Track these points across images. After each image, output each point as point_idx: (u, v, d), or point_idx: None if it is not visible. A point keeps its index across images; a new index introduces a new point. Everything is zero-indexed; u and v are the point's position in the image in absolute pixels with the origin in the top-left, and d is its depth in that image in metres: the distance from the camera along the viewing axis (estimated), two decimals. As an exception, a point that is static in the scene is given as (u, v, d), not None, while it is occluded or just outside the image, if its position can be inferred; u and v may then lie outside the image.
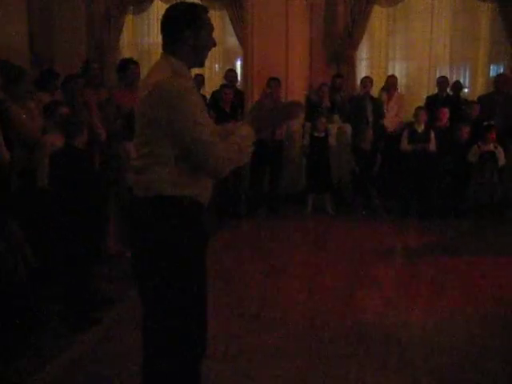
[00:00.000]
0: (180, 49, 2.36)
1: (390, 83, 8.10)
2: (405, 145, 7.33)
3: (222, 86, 7.64)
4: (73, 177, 4.04)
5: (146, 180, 2.34)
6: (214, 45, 2.47)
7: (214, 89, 8.43)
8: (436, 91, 8.18)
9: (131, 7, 9.55)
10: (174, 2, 2.51)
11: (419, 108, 7.51)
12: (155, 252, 2.34)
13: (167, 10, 2.41)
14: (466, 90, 8.75)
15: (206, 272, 2.53)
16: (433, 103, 7.82)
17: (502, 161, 7.02)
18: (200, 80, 7.98)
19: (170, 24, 2.37)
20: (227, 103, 7.26)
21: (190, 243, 2.38)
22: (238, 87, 8.52)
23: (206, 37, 2.40)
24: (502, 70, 8.56)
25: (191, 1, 2.54)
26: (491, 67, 8.84)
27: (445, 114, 7.36)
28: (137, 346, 3.63)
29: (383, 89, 8.16)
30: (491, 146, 7.01)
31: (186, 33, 2.33)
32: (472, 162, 7.06)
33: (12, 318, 3.56)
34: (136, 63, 6.05)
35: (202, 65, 2.50)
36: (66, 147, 4.15)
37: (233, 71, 8.51)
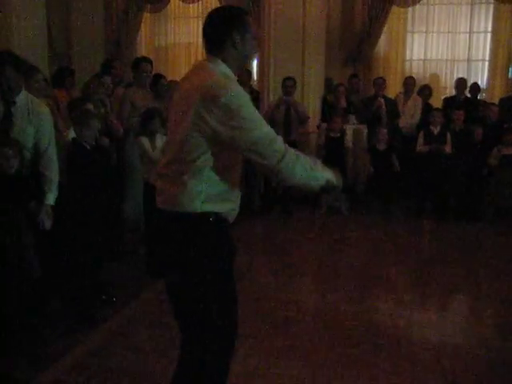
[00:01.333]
0: (227, 52, 2.29)
1: (408, 84, 8.05)
2: (420, 146, 7.29)
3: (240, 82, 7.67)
4: (80, 173, 4.05)
5: (174, 192, 2.28)
6: (256, 51, 2.39)
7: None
8: (454, 93, 8.12)
9: (148, 5, 9.61)
10: (219, 6, 2.54)
11: (435, 110, 7.46)
12: (190, 268, 2.31)
13: (214, 13, 2.39)
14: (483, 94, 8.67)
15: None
16: (450, 105, 7.76)
17: None
18: None
19: (218, 27, 2.31)
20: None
21: (223, 260, 2.42)
22: (254, 87, 8.52)
23: (251, 41, 2.33)
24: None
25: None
26: (510, 69, 8.76)
27: (460, 116, 7.29)
28: (147, 343, 3.70)
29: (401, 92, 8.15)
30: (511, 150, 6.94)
31: (234, 36, 2.28)
32: (492, 164, 6.99)
33: (17, 314, 3.58)
34: (149, 61, 6.08)
35: (241, 70, 2.47)
36: (73, 143, 4.17)
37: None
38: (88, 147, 4.16)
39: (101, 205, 4.19)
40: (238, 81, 2.31)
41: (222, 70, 2.26)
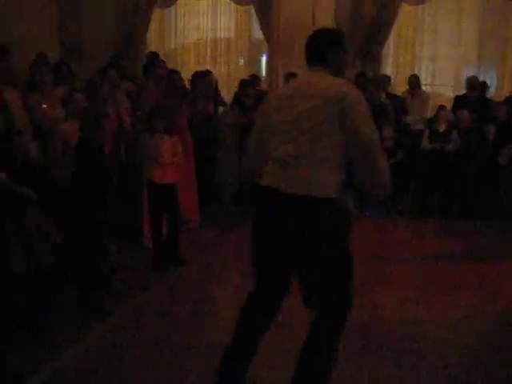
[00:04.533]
0: (330, 67, 2.70)
1: (413, 82, 8.09)
2: (425, 143, 7.30)
3: (246, 82, 7.67)
4: (86, 171, 4.10)
5: (316, 181, 2.56)
6: (347, 67, 2.94)
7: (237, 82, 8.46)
8: (463, 91, 8.11)
9: (159, 1, 9.61)
10: (324, 27, 3.06)
11: (441, 107, 7.47)
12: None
13: (322, 33, 2.82)
14: (491, 90, 8.65)
15: None
16: (461, 103, 7.75)
17: None
18: (210, 76, 7.96)
19: (328, 45, 2.73)
20: (250, 98, 7.29)
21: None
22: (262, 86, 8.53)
23: (347, 59, 2.83)
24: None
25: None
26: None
27: (465, 115, 7.28)
28: (155, 333, 3.75)
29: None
30: None
31: (338, 53, 2.73)
32: (503, 164, 6.99)
33: (24, 306, 3.64)
34: (162, 60, 6.20)
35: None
36: (80, 141, 4.19)
37: (256, 77, 8.37)
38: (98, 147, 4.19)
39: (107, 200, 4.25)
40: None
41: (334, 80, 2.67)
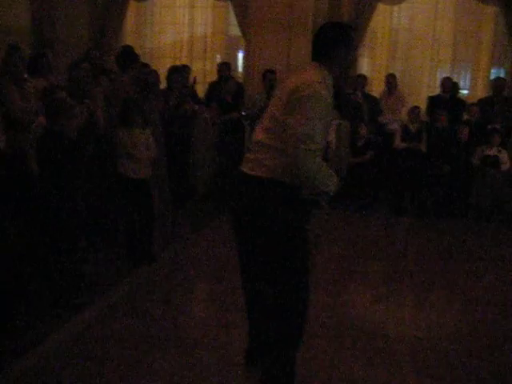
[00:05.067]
0: (332, 63, 2.75)
1: (389, 82, 8.15)
2: (398, 142, 7.39)
3: (225, 77, 7.64)
4: (54, 162, 4.02)
5: (265, 164, 2.72)
6: (352, 65, 2.80)
7: (214, 78, 8.42)
8: (437, 91, 8.20)
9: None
10: (331, 22, 3.06)
11: (414, 107, 7.57)
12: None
13: (326, 28, 2.82)
14: (465, 92, 8.77)
15: None
16: (435, 103, 7.84)
17: (505, 166, 7.06)
18: (187, 71, 7.93)
19: (328, 41, 2.76)
20: (229, 94, 7.26)
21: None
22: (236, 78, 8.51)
23: (352, 56, 2.85)
24: (502, 74, 8.60)
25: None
26: (492, 71, 8.87)
27: (440, 115, 7.38)
28: (126, 330, 3.71)
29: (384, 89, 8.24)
30: (495, 150, 7.05)
31: (341, 51, 2.75)
32: (475, 164, 7.10)
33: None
34: (137, 54, 6.16)
35: (341, 78, 2.88)
36: (48, 132, 4.12)
37: (226, 64, 8.34)
38: (65, 140, 4.10)
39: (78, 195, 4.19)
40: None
41: (324, 75, 2.72)
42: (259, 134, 2.80)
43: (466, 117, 7.66)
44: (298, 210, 2.76)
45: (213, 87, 7.93)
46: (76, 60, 5.92)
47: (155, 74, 6.39)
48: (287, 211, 2.72)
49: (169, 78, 6.94)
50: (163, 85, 6.94)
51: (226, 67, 8.14)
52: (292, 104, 2.62)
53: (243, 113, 7.06)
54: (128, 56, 6.27)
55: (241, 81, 8.55)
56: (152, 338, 3.63)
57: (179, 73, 7.11)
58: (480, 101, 7.94)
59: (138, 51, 7.23)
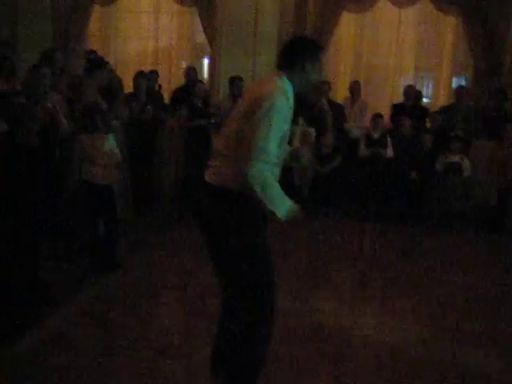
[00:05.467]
0: (295, 75, 2.79)
1: (354, 89, 8.23)
2: (362, 150, 7.47)
3: (190, 81, 7.59)
4: (19, 171, 3.92)
5: (218, 172, 2.76)
6: (319, 80, 3.00)
7: (179, 84, 8.37)
8: (401, 99, 8.32)
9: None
10: (299, 35, 3.22)
11: (376, 115, 7.67)
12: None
13: (294, 41, 2.90)
14: (425, 100, 8.94)
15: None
16: (399, 111, 7.95)
17: (467, 172, 7.20)
18: (154, 77, 7.90)
19: (295, 54, 2.80)
20: (199, 98, 7.22)
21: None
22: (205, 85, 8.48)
23: (318, 72, 2.85)
24: (463, 83, 8.79)
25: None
26: (454, 79, 9.06)
27: (405, 121, 7.49)
28: (85, 342, 3.63)
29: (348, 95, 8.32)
30: (457, 157, 7.18)
31: (306, 66, 2.79)
32: (438, 171, 7.22)
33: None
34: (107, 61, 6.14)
35: (305, 92, 2.92)
36: (5, 139, 4.03)
37: (193, 69, 8.26)
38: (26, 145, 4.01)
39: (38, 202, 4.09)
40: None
41: (283, 84, 2.75)
42: (218, 143, 2.84)
43: (429, 124, 7.79)
44: (248, 218, 2.77)
45: (179, 92, 7.86)
46: (36, 63, 5.78)
47: (118, 79, 6.34)
48: (237, 220, 2.74)
49: (135, 82, 6.87)
50: (127, 90, 6.88)
51: (193, 71, 8.08)
52: (250, 115, 2.64)
53: (213, 121, 7.01)
54: (94, 61, 6.22)
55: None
56: (115, 347, 3.56)
57: (145, 77, 7.06)
58: (442, 108, 8.09)
59: (102, 56, 7.17)
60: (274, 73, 2.85)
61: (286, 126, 2.75)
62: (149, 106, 6.71)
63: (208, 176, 2.81)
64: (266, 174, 2.61)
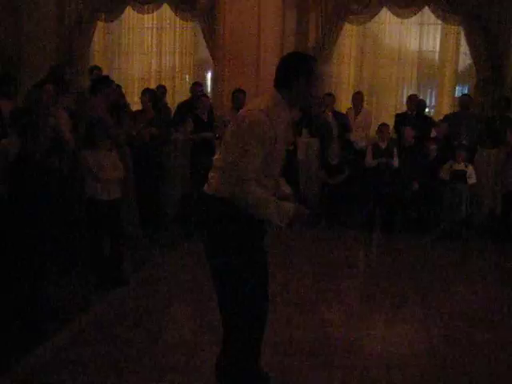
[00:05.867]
0: (291, 91, 2.80)
1: (357, 99, 8.25)
2: (369, 160, 7.46)
3: (195, 96, 7.63)
4: (27, 186, 3.94)
5: (212, 182, 2.88)
6: (318, 94, 2.99)
7: (184, 99, 8.40)
8: (404, 109, 8.32)
9: (103, 15, 9.48)
10: (295, 52, 3.21)
11: (382, 125, 7.67)
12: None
13: (287, 58, 2.93)
14: (427, 110, 8.93)
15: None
16: (402, 121, 7.95)
17: (472, 179, 7.18)
18: (162, 91, 7.97)
19: (288, 70, 2.81)
20: (205, 112, 7.25)
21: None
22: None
23: (315, 84, 2.84)
24: (466, 91, 8.79)
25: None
26: (457, 88, 9.07)
27: (409, 132, 7.49)
28: (94, 358, 3.62)
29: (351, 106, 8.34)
30: (462, 165, 7.17)
31: (300, 81, 2.78)
32: (444, 179, 7.20)
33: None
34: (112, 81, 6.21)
35: (305, 106, 3.17)
36: (20, 155, 4.06)
37: (199, 84, 8.29)
38: (36, 160, 4.05)
39: (46, 217, 4.10)
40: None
41: (275, 101, 2.80)
42: (217, 155, 2.96)
43: (434, 133, 7.77)
44: (241, 226, 2.80)
45: (184, 106, 7.89)
46: (40, 80, 5.84)
47: (123, 95, 6.41)
48: (229, 227, 2.80)
49: (142, 98, 6.91)
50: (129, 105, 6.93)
51: (198, 86, 8.11)
52: (234, 133, 2.75)
53: (217, 135, 7.04)
54: (98, 79, 6.30)
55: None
56: (123, 362, 3.55)
57: (152, 93, 7.09)
58: (446, 117, 8.08)
59: (105, 72, 7.24)
60: (270, 90, 2.89)
61: (271, 143, 2.75)
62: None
63: (206, 187, 2.92)
64: (251, 193, 2.68)
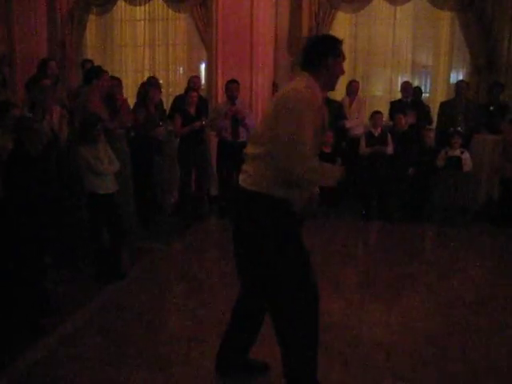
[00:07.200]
0: (319, 72, 2.83)
1: (352, 88, 8.22)
2: (363, 148, 7.46)
3: (188, 90, 7.59)
4: (24, 184, 3.93)
5: (252, 176, 2.80)
6: (343, 73, 2.92)
7: (178, 91, 8.37)
8: (399, 97, 8.31)
9: (94, 8, 9.41)
10: (320, 34, 3.19)
11: (375, 112, 7.66)
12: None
13: (315, 39, 3.02)
14: (425, 95, 8.93)
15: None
16: (397, 108, 7.93)
17: (468, 166, 7.18)
18: (154, 82, 7.90)
19: (318, 51, 2.85)
20: (192, 106, 7.21)
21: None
22: (202, 90, 8.48)
23: (341, 66, 2.88)
24: (461, 77, 8.77)
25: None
26: (451, 74, 9.05)
27: (401, 119, 7.48)
28: (94, 352, 3.62)
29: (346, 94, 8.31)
30: (458, 152, 7.17)
31: (328, 60, 2.82)
32: (439, 166, 7.21)
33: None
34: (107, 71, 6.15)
35: (332, 89, 3.00)
36: (16, 153, 4.03)
37: (197, 77, 8.30)
38: (32, 156, 4.03)
39: (44, 214, 4.08)
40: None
41: (309, 83, 2.80)
42: (248, 148, 2.87)
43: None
44: (285, 222, 2.79)
45: (177, 100, 7.87)
46: (35, 75, 5.79)
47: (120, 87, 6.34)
48: (274, 225, 2.75)
49: (143, 93, 6.84)
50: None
51: (195, 79, 8.05)
52: (280, 113, 2.68)
53: (203, 122, 7.01)
54: (91, 71, 6.23)
55: (204, 92, 8.52)
56: (123, 355, 3.55)
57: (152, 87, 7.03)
58: (442, 103, 8.07)
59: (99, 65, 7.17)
60: (300, 73, 2.89)
61: (318, 121, 2.79)
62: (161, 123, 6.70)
63: (242, 180, 2.84)
64: (307, 163, 2.65)
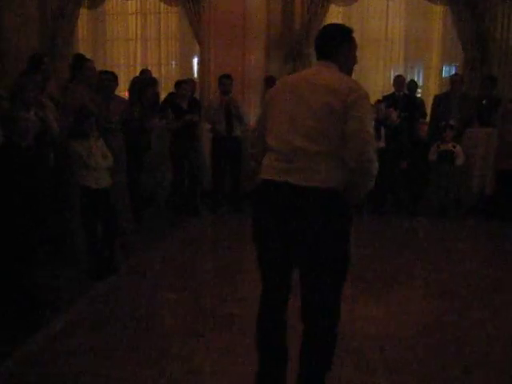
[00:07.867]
0: (338, 60, 2.79)
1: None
2: None
3: (179, 83, 7.54)
4: (14, 177, 3.90)
5: (319, 173, 2.62)
6: (357, 62, 2.89)
7: (170, 85, 8.30)
8: (391, 90, 8.29)
9: (85, 1, 9.35)
10: (333, 24, 3.27)
11: None
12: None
13: (329, 27, 2.98)
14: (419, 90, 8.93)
15: None
16: (389, 102, 7.92)
17: (460, 160, 7.19)
18: (151, 82, 7.81)
19: (333, 38, 2.82)
20: (184, 100, 7.17)
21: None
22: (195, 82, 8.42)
23: (355, 54, 2.87)
24: (453, 71, 8.77)
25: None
26: (444, 68, 9.05)
27: (392, 113, 7.47)
28: (87, 346, 3.60)
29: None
30: (450, 146, 7.18)
31: (344, 47, 2.80)
32: (431, 160, 7.21)
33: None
34: (90, 60, 6.02)
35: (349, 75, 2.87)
36: (5, 146, 4.01)
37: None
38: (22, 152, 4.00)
39: (33, 208, 4.05)
40: None
41: (340, 74, 2.75)
42: (295, 141, 2.60)
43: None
44: (348, 216, 2.81)
45: (169, 95, 7.82)
46: (26, 69, 5.73)
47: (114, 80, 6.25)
48: (341, 219, 2.76)
49: (134, 86, 6.77)
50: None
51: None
52: (353, 109, 2.54)
53: (196, 118, 6.98)
54: (75, 62, 6.12)
55: (196, 86, 8.47)
56: (116, 350, 3.53)
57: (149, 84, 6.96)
58: (436, 97, 8.07)
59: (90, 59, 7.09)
60: (325, 63, 2.81)
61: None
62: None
63: (301, 179, 2.58)
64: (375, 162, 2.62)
